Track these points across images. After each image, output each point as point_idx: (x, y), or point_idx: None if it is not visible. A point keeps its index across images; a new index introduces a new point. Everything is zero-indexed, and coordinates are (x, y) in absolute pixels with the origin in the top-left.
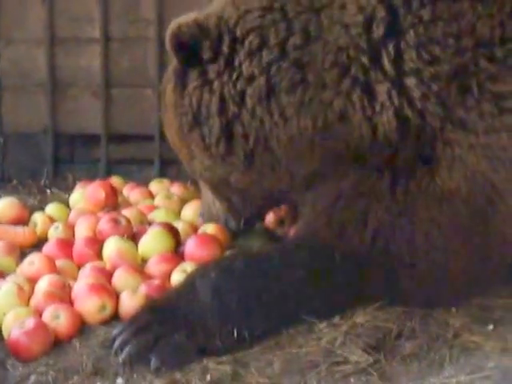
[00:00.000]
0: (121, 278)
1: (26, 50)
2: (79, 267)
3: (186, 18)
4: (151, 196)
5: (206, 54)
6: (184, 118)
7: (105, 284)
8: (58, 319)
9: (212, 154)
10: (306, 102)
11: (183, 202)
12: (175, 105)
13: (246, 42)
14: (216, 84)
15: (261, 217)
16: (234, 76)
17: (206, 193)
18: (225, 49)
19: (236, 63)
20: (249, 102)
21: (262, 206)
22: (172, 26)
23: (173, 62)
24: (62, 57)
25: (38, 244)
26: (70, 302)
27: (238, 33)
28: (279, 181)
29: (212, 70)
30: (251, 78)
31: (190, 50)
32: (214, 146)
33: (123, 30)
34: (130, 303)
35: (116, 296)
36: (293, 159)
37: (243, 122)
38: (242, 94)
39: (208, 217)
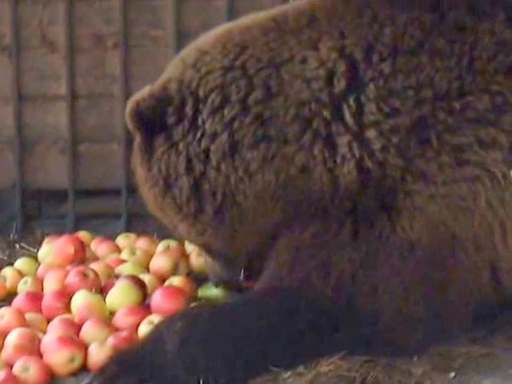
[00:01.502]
0: (89, 331)
1: None
2: (48, 320)
3: (141, 93)
4: (118, 250)
5: (171, 119)
6: (156, 188)
7: (73, 336)
8: (28, 371)
9: (184, 214)
10: (269, 157)
11: (149, 255)
12: (146, 179)
13: (209, 101)
14: (181, 145)
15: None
16: (199, 134)
17: (207, 257)
18: (188, 110)
19: (199, 122)
20: (213, 158)
21: (250, 262)
22: (130, 104)
23: (136, 140)
24: (29, 114)
25: (8, 298)
26: (40, 355)
27: (201, 93)
28: (247, 236)
29: (177, 132)
30: (214, 135)
31: (152, 121)
32: (185, 206)
33: (89, 87)
34: (98, 355)
35: (85, 348)
36: (259, 213)
37: (210, 179)
38: (207, 152)
39: (214, 276)
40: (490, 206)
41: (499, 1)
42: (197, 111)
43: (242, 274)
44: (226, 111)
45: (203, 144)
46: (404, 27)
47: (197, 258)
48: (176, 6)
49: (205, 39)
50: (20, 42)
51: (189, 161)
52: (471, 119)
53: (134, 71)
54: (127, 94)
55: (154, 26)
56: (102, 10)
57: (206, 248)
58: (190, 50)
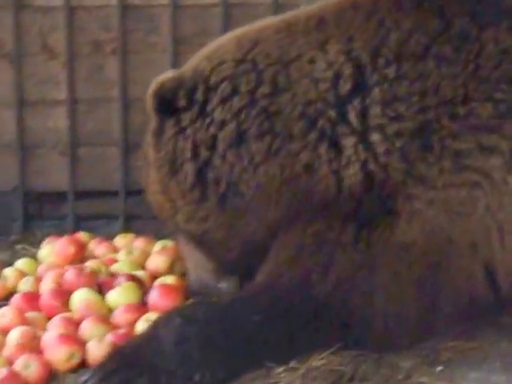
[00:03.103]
0: (88, 328)
1: None
2: (48, 318)
3: (165, 75)
4: (116, 250)
5: (181, 103)
6: (163, 169)
7: (73, 334)
8: (30, 368)
9: (188, 200)
10: (273, 151)
11: (146, 255)
12: (155, 160)
13: (219, 90)
14: (189, 130)
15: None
16: (207, 121)
17: (192, 258)
18: (199, 97)
19: (209, 109)
20: (220, 146)
21: (244, 257)
22: (153, 85)
23: (151, 124)
24: (30, 118)
25: (9, 297)
26: (40, 352)
27: (212, 81)
28: (248, 225)
29: (186, 118)
30: (222, 123)
31: (168, 103)
32: (189, 192)
33: (88, 92)
34: (97, 351)
35: (84, 345)
36: (261, 204)
37: (215, 166)
38: (214, 139)
39: (197, 285)
40: (488, 211)
41: (502, 9)
42: (207, 99)
43: (227, 280)
44: (234, 101)
45: (210, 131)
46: (410, 32)
47: None
48: (173, 13)
49: (225, 37)
50: (21, 48)
51: (195, 147)
52: (474, 125)
53: (132, 76)
54: (125, 99)
55: (151, 33)
56: (100, 18)
57: (202, 239)
58: (209, 46)
